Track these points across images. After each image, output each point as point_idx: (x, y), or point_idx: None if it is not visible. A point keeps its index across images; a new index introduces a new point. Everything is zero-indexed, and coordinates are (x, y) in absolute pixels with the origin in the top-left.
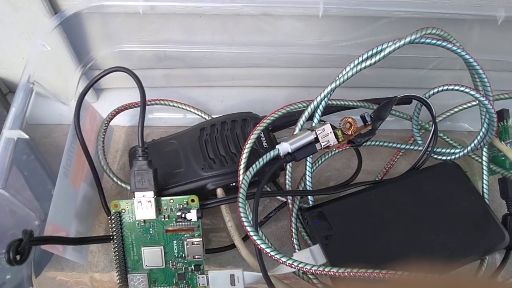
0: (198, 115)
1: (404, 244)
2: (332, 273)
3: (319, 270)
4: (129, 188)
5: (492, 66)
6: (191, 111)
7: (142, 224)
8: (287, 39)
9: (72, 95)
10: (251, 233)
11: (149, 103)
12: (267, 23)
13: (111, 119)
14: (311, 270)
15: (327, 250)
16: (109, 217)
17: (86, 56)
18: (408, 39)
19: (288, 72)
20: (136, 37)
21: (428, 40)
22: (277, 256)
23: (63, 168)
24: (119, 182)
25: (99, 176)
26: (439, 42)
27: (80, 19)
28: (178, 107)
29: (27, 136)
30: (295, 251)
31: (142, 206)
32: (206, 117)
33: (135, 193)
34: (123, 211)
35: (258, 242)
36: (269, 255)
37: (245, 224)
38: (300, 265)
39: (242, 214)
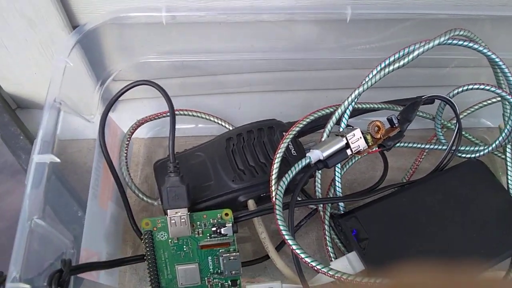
0: (218, 123)
1: (438, 247)
2: (371, 282)
3: (361, 281)
4: (155, 204)
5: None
6: (210, 120)
7: (176, 241)
8: (304, 44)
9: (95, 110)
10: (290, 242)
11: (166, 115)
12: (286, 28)
13: (133, 132)
14: (352, 280)
15: (364, 257)
16: (141, 237)
17: (105, 70)
18: (437, 41)
19: (305, 76)
20: (154, 48)
21: (455, 41)
22: (317, 266)
23: (92, 189)
24: (144, 198)
25: (126, 194)
26: (465, 43)
27: (98, 32)
28: (197, 116)
29: (58, 160)
30: (331, 260)
31: (176, 224)
32: (226, 125)
33: (168, 210)
34: (155, 229)
35: (298, 251)
36: (309, 265)
37: (284, 234)
38: (338, 275)
39: (281, 226)
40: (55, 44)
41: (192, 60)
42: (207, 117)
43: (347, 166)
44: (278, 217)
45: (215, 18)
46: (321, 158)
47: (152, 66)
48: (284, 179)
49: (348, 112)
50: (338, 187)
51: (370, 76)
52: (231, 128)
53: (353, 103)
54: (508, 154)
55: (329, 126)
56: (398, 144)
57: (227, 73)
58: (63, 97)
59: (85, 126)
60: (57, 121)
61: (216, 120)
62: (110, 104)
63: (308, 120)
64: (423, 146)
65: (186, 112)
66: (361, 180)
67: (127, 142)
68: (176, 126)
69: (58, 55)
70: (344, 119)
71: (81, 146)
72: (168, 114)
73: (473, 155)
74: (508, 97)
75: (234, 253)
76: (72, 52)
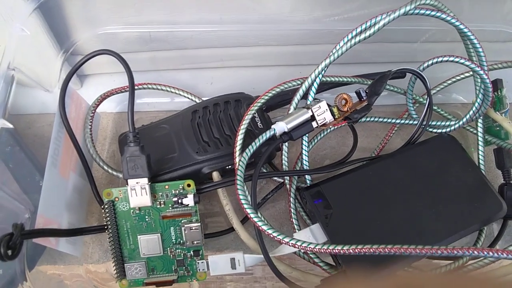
0: (188, 98)
1: (404, 219)
2: (335, 251)
3: (322, 249)
4: (120, 176)
5: (485, 37)
6: (180, 94)
7: (137, 212)
8: (276, 16)
9: (55, 82)
10: (251, 215)
11: (136, 87)
12: (255, 1)
13: (98, 105)
14: (313, 249)
15: (327, 229)
16: (102, 207)
17: (68, 40)
18: (402, 11)
19: (278, 50)
20: (119, 18)
21: (422, 11)
22: (279, 237)
23: (51, 158)
24: (110, 170)
25: (88, 165)
26: (433, 13)
27: (59, 0)
28: (167, 90)
29: (11, 126)
30: (295, 231)
31: (136, 194)
32: (196, 100)
33: (129, 180)
34: (117, 199)
35: (259, 223)
36: (271, 236)
37: (245, 206)
38: (302, 245)
39: (241, 197)
40: (13, 10)
41: (159, 31)
42: (178, 91)
43: (315, 140)
44: (238, 187)
45: None
46: (286, 130)
47: (120, 39)
48: (247, 150)
49: (315, 85)
50: (305, 160)
51: (337, 47)
52: None
53: (320, 76)
54: (479, 129)
55: (295, 99)
56: (368, 119)
57: (198, 47)
58: (19, 65)
59: (49, 100)
60: (10, 88)
61: (187, 95)
62: (71, 73)
63: (274, 92)
64: (393, 121)
65: (156, 86)
66: (332, 155)
67: (92, 115)
68: (147, 100)
69: (14, 23)
70: (311, 92)
71: (48, 120)
72: (136, 88)
73: (444, 130)
74: (478, 69)
75: (196, 224)
76: (29, 21)
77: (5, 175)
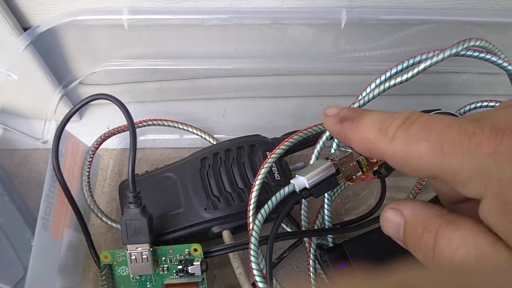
0: (197, 134)
1: None
2: None
3: None
4: (119, 228)
5: None
6: (188, 131)
7: (138, 277)
8: (297, 46)
9: (51, 116)
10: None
11: (140, 124)
12: (275, 30)
13: (97, 148)
14: None
15: None
16: (99, 271)
17: (67, 75)
18: (448, 52)
19: (297, 81)
20: (122, 51)
21: (470, 52)
22: None
23: (42, 219)
24: (109, 222)
25: (84, 217)
26: (482, 55)
27: (55, 35)
28: (174, 126)
29: None
30: None
31: (136, 260)
32: (206, 137)
33: (128, 245)
34: (115, 263)
35: None
36: None
37: (256, 276)
38: None
39: (254, 270)
40: (3, 48)
41: (166, 67)
42: (186, 127)
43: (338, 191)
44: (252, 258)
45: (186, 21)
46: (307, 186)
47: (124, 69)
48: (263, 210)
49: None
50: (328, 216)
51: (368, 90)
52: (211, 140)
53: None
54: None
55: (318, 147)
56: None
57: (210, 77)
58: (7, 111)
59: (50, 133)
60: None
61: (196, 132)
62: (62, 124)
63: (293, 140)
64: None
65: (162, 122)
66: (355, 202)
67: (90, 160)
68: (153, 137)
69: None
70: (336, 140)
71: (44, 156)
72: (140, 124)
73: None
74: None
75: None
76: (21, 58)
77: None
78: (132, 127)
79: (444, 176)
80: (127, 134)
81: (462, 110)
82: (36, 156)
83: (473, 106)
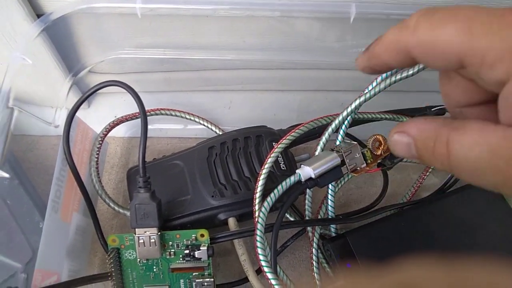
0: (204, 125)
1: None
2: None
3: None
4: (127, 214)
5: None
6: (195, 121)
7: (145, 261)
8: (304, 40)
9: (63, 103)
10: (268, 274)
11: (148, 113)
12: (283, 22)
13: (106, 134)
14: None
15: None
16: (107, 255)
17: (77, 63)
18: None
19: (303, 75)
20: (132, 40)
21: None
22: None
23: (52, 202)
24: (116, 208)
25: (93, 205)
26: None
27: (67, 22)
28: (181, 116)
29: (6, 175)
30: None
31: (144, 244)
32: (213, 128)
33: (136, 229)
34: (122, 246)
35: (275, 285)
36: None
37: (262, 261)
38: None
39: (260, 256)
40: (17, 34)
41: (175, 57)
42: (193, 118)
43: (342, 183)
44: (258, 243)
45: (199, 12)
46: (312, 176)
47: (133, 58)
48: (269, 199)
49: (346, 123)
50: (331, 206)
51: (374, 84)
52: (217, 131)
53: (353, 114)
54: None
55: (324, 139)
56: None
57: (217, 69)
58: (20, 96)
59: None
60: (8, 130)
61: (202, 122)
62: (74, 108)
63: (300, 131)
64: None
65: (169, 112)
66: (357, 195)
67: (99, 146)
68: (160, 126)
69: (14, 51)
70: (342, 130)
71: (51, 142)
72: (148, 113)
73: None
74: None
75: (208, 279)
76: (34, 46)
77: (2, 213)
78: (143, 113)
79: (471, 59)
80: (134, 123)
81: None
82: (44, 143)
83: None
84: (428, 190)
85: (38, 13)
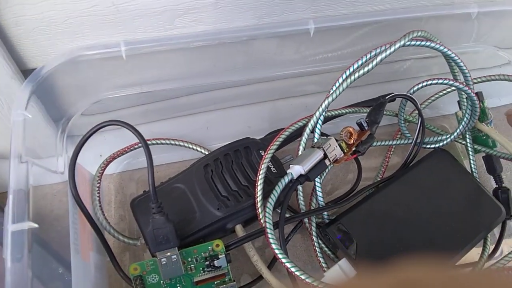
0: (189, 147)
1: (421, 239)
2: None
3: None
4: (138, 243)
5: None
6: (181, 145)
7: (168, 281)
8: (266, 56)
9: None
10: (288, 265)
11: (132, 148)
12: (247, 45)
13: (102, 173)
14: None
15: (355, 261)
16: (131, 284)
17: (66, 111)
18: (398, 44)
19: (269, 86)
20: (113, 82)
21: (414, 42)
22: (313, 283)
23: (73, 245)
24: (126, 240)
25: (106, 241)
26: (423, 43)
27: (56, 74)
28: (167, 143)
29: (36, 225)
30: (324, 270)
31: (167, 265)
32: (198, 149)
33: (157, 253)
34: (144, 273)
35: (297, 272)
36: (308, 283)
37: (281, 258)
38: None
39: (277, 251)
40: (3, 93)
41: (154, 90)
42: (178, 142)
43: (324, 174)
44: (271, 241)
45: (177, 46)
46: (302, 172)
47: (109, 98)
48: (270, 200)
49: (320, 122)
50: (320, 196)
51: (337, 84)
52: (202, 151)
53: (324, 113)
54: (468, 140)
55: (303, 139)
56: None
57: (190, 94)
58: (28, 152)
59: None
60: (27, 181)
61: (187, 145)
62: (76, 153)
63: (284, 136)
64: (390, 142)
65: (154, 141)
66: (339, 184)
67: (98, 185)
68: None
69: (15, 110)
70: (317, 129)
71: (44, 192)
72: (136, 146)
73: (437, 145)
74: (465, 88)
75: (231, 283)
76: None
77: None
78: (145, 145)
79: None
80: (121, 159)
81: (412, 90)
82: (46, 190)
83: (420, 85)
84: (394, 169)
85: (21, 69)
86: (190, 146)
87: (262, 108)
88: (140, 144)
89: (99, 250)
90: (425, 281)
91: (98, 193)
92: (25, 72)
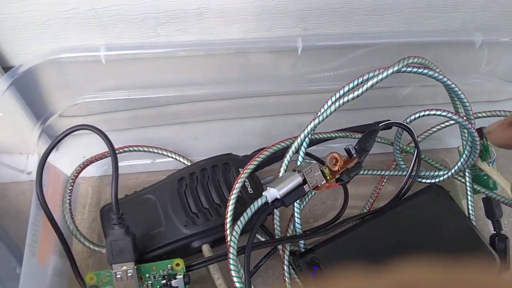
0: (172, 157)
1: None
2: None
3: None
4: (103, 252)
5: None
6: (163, 154)
7: None
8: (260, 71)
9: (34, 149)
10: None
11: (117, 151)
12: (240, 57)
13: (76, 176)
14: None
15: None
16: None
17: (45, 111)
18: (391, 70)
19: (262, 102)
20: (97, 85)
21: (410, 69)
22: None
23: (29, 247)
24: (91, 246)
25: (69, 246)
26: (420, 70)
27: (34, 73)
28: (150, 151)
29: None
30: None
31: (122, 279)
32: (181, 159)
33: (113, 265)
34: (100, 283)
35: None
36: None
37: (238, 287)
38: None
39: (235, 278)
40: None
41: (140, 97)
42: (161, 151)
43: (307, 200)
44: (231, 267)
45: (160, 55)
46: (278, 197)
47: (98, 100)
48: (239, 222)
49: (305, 144)
50: (298, 223)
51: (325, 107)
52: (186, 162)
53: (310, 135)
54: (467, 179)
55: (285, 161)
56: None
57: (180, 103)
58: None
59: (23, 167)
60: None
61: (170, 155)
62: (45, 155)
63: (263, 156)
64: (382, 173)
65: (137, 148)
66: (322, 209)
67: (70, 188)
68: (128, 163)
69: None
70: (301, 152)
71: (22, 188)
72: (120, 151)
73: (433, 180)
74: (465, 123)
75: None
76: (4, 97)
77: None
78: (113, 153)
79: None
80: (103, 162)
81: (408, 119)
82: (14, 189)
83: (417, 115)
84: (386, 199)
85: (3, 66)
86: (174, 156)
87: (255, 123)
88: (121, 150)
89: (62, 254)
90: (424, 283)
91: (70, 195)
92: (7, 69)
